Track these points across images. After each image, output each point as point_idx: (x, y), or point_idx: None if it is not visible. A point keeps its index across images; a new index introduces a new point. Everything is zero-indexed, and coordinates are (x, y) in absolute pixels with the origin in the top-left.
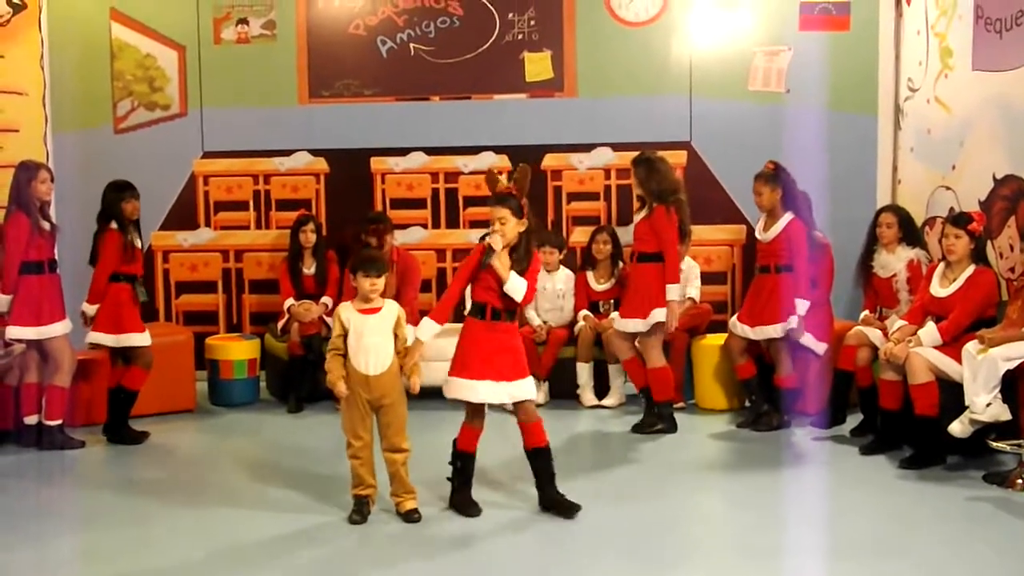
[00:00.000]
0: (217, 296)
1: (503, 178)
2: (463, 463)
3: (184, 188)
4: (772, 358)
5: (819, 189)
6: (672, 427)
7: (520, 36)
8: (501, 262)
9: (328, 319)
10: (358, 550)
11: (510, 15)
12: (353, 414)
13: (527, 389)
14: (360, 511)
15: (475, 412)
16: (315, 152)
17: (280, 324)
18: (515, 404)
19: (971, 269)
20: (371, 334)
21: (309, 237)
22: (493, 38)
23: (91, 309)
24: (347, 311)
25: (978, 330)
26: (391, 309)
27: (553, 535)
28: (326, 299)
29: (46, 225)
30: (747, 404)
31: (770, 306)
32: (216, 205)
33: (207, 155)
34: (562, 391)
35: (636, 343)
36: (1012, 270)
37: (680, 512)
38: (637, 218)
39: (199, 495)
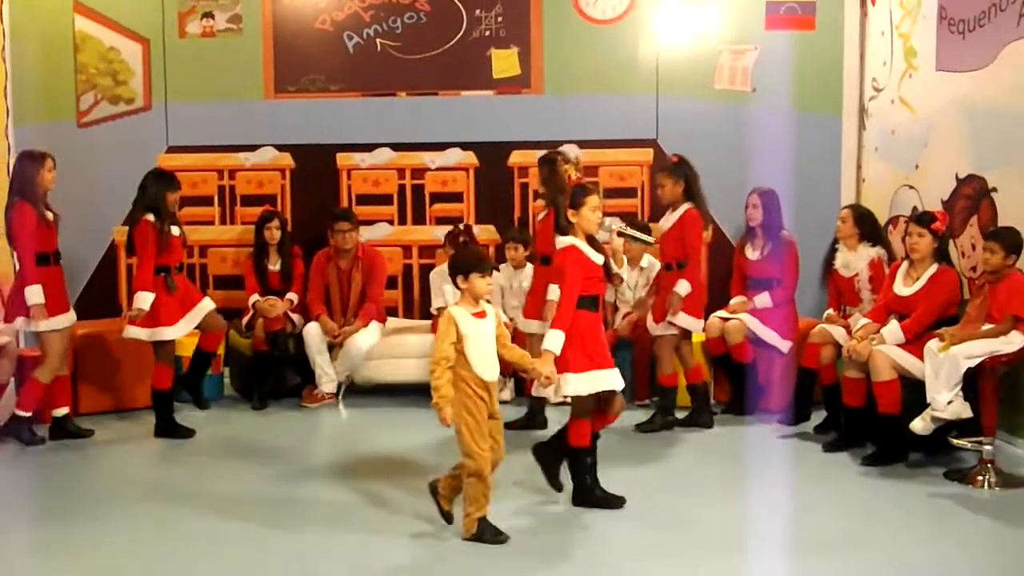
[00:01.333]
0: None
1: (571, 168)
2: (592, 458)
3: None
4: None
5: (784, 188)
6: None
7: (487, 33)
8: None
9: (293, 315)
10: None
11: (477, 11)
12: (479, 426)
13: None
14: (499, 532)
15: (587, 403)
16: (281, 147)
17: (245, 320)
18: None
19: (934, 268)
20: (487, 339)
21: (274, 233)
22: (460, 34)
23: (147, 300)
24: (463, 316)
25: (940, 328)
26: (492, 312)
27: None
28: (291, 295)
29: (49, 215)
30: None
31: (659, 303)
32: (181, 200)
33: (171, 150)
34: (528, 388)
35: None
36: (974, 269)
37: (645, 509)
38: (539, 218)
39: (157, 493)
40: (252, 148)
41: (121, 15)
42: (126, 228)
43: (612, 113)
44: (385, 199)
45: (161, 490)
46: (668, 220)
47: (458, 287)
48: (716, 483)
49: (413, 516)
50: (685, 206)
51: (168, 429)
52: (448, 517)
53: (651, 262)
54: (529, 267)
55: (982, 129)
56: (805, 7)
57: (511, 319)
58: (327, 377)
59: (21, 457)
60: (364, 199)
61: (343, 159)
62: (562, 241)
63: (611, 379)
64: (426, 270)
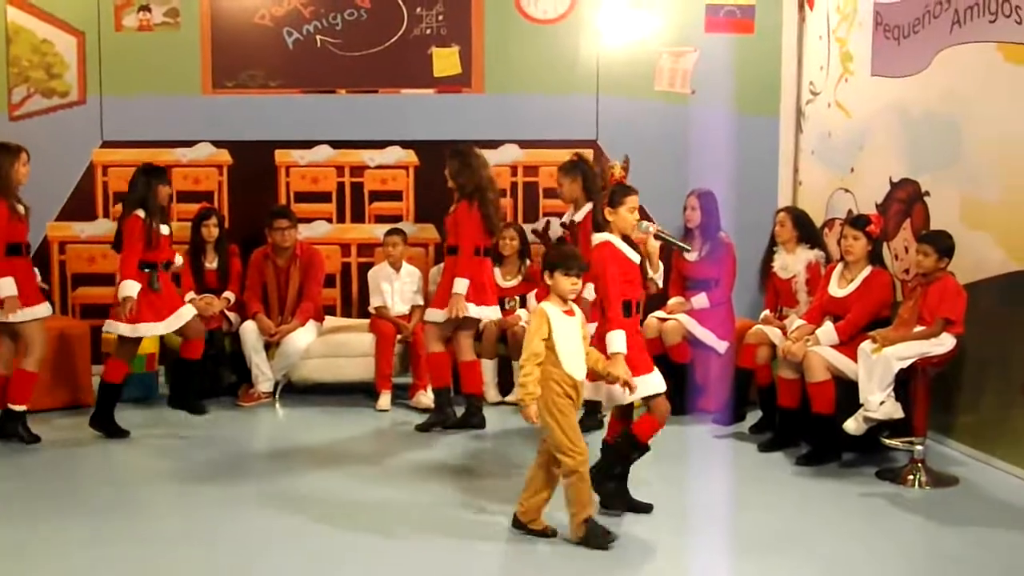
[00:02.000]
0: (115, 289)
1: (616, 166)
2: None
3: (82, 178)
4: None
5: (722, 190)
6: (450, 420)
7: (428, 31)
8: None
9: (230, 314)
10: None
11: (418, 9)
12: (572, 425)
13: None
14: (608, 532)
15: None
16: (218, 143)
17: None
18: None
19: (868, 270)
20: (576, 338)
21: (212, 231)
22: (401, 32)
23: (133, 289)
24: (554, 313)
25: (874, 330)
26: (579, 311)
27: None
28: (228, 294)
29: (21, 208)
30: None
31: None
32: (115, 196)
33: (106, 144)
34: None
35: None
36: (907, 271)
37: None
38: (450, 211)
39: (95, 492)
40: (189, 144)
41: (55, 7)
42: (60, 224)
43: (552, 113)
44: (324, 197)
45: (80, 492)
46: (568, 216)
47: (545, 284)
48: (651, 482)
49: (350, 507)
50: (589, 206)
51: (104, 423)
52: (551, 532)
53: None
54: None
55: (916, 134)
56: (744, 11)
57: None
58: (264, 376)
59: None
60: (303, 197)
61: (282, 156)
62: (597, 237)
63: (653, 383)
64: (364, 269)
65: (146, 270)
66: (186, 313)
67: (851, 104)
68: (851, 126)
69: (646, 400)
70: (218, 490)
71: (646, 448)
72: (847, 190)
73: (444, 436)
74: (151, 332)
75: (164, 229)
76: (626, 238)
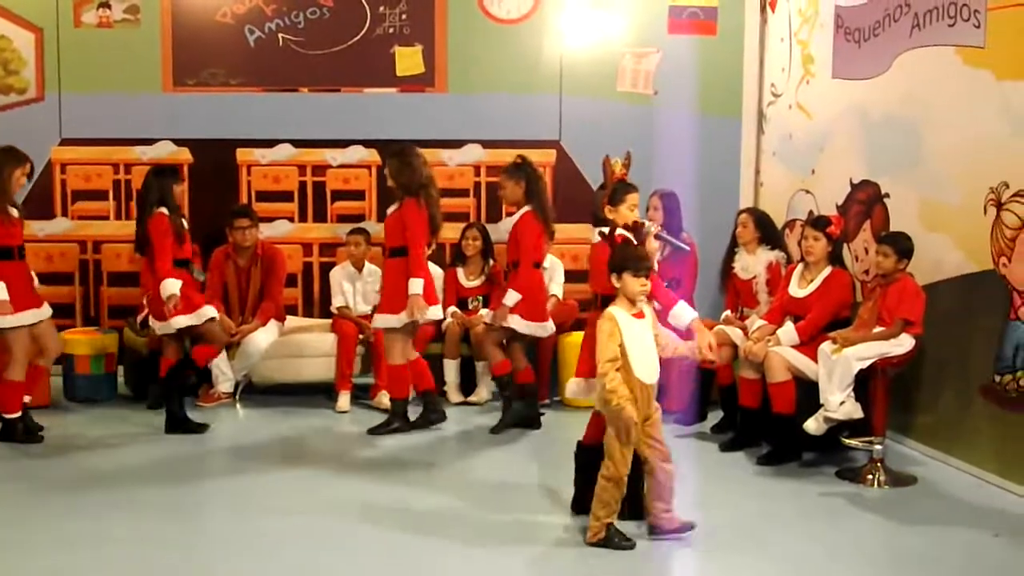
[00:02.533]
0: (74, 288)
1: (617, 163)
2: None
3: (40, 176)
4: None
5: (685, 190)
6: (405, 426)
7: (391, 30)
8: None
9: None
10: None
11: (381, 8)
12: (632, 432)
13: None
14: (626, 536)
15: None
16: (179, 142)
17: (139, 318)
18: None
19: (828, 271)
20: (646, 340)
21: None
22: (364, 31)
23: (175, 285)
24: (623, 316)
25: (834, 330)
26: (649, 312)
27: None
28: None
29: (15, 212)
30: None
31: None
32: (74, 194)
33: (65, 142)
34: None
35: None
36: (866, 272)
37: (539, 508)
38: (389, 211)
39: (54, 492)
40: (149, 142)
41: (12, 3)
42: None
43: (516, 113)
44: (286, 196)
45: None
46: (508, 222)
47: (614, 285)
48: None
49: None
50: (524, 209)
51: (179, 422)
52: (689, 525)
53: (553, 262)
54: (431, 266)
55: (876, 136)
56: (707, 12)
57: None
58: (224, 376)
59: None
60: (264, 196)
61: (243, 155)
62: (598, 233)
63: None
64: (326, 268)
65: (181, 267)
66: (207, 312)
67: (812, 106)
68: (812, 128)
69: None
70: (174, 492)
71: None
72: (808, 191)
73: (407, 436)
74: (212, 313)
75: (184, 226)
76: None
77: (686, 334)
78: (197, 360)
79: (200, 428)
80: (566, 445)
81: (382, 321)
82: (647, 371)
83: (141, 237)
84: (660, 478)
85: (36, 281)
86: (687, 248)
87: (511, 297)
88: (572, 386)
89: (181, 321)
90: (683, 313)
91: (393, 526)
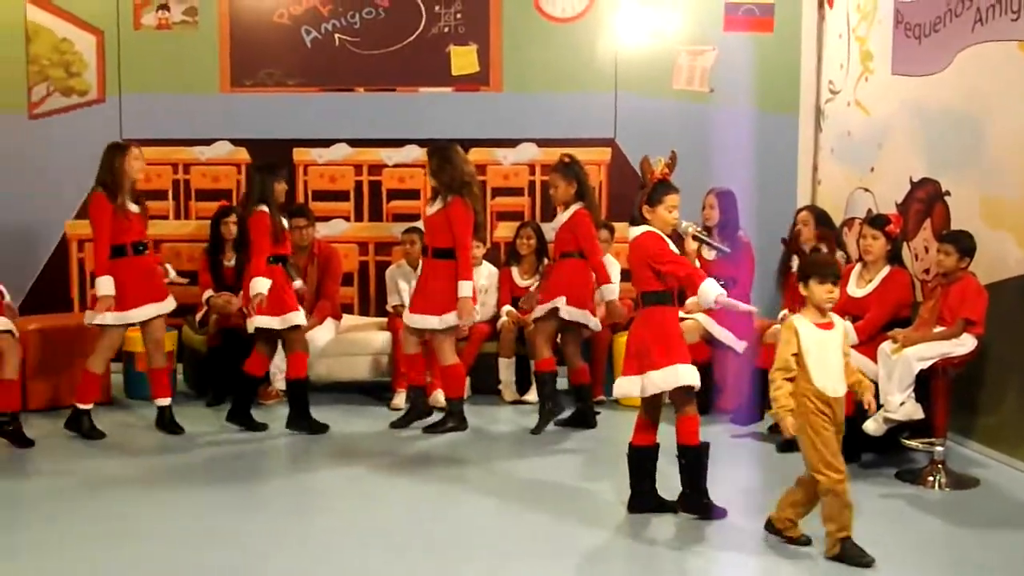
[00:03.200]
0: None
1: (660, 163)
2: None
3: None
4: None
5: (741, 188)
6: (461, 425)
7: (446, 29)
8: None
9: (245, 310)
10: None
11: (436, 8)
12: (827, 443)
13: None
14: (863, 552)
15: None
16: (236, 142)
17: (199, 316)
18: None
19: (887, 270)
20: (832, 351)
21: (231, 229)
22: (419, 30)
23: (264, 285)
24: (804, 325)
25: (893, 330)
26: (840, 323)
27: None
28: None
29: (134, 207)
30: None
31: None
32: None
33: (126, 142)
34: (484, 386)
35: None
36: (927, 271)
37: (603, 508)
38: (430, 210)
39: (111, 489)
40: (207, 142)
41: (74, 6)
42: (78, 222)
43: (570, 112)
44: (342, 195)
45: (116, 486)
46: (559, 220)
47: (802, 294)
48: (666, 483)
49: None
50: (576, 206)
51: (242, 417)
52: (805, 541)
53: (610, 261)
54: (486, 265)
55: (936, 133)
56: (763, 9)
57: None
58: (281, 374)
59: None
60: (321, 195)
61: (300, 154)
62: (636, 230)
63: (688, 375)
64: (382, 267)
65: (278, 264)
66: (294, 319)
67: (871, 103)
68: (871, 125)
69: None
70: (232, 489)
71: (705, 446)
72: (866, 189)
73: (462, 434)
74: (300, 320)
75: (285, 224)
76: (667, 235)
77: (743, 333)
78: (293, 376)
79: (260, 427)
80: (622, 445)
81: (425, 322)
82: (829, 382)
83: (242, 234)
84: (815, 493)
85: (172, 274)
86: (727, 250)
87: (611, 291)
88: (620, 384)
89: (260, 321)
90: (709, 290)
91: (446, 525)
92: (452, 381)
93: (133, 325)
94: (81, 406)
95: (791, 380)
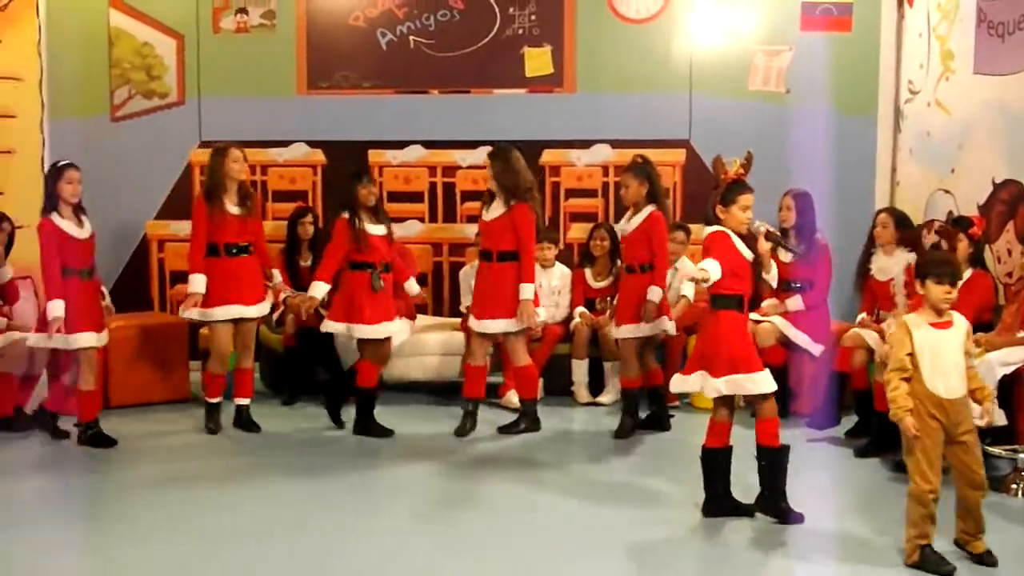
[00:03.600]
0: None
1: (735, 163)
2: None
3: (180, 177)
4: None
5: (818, 190)
6: (534, 426)
7: (520, 31)
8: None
9: (324, 311)
10: None
11: (511, 9)
12: (927, 450)
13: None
14: (945, 561)
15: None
16: (313, 143)
17: (276, 316)
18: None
19: (969, 273)
20: (949, 352)
21: (307, 229)
22: (493, 32)
23: (320, 290)
24: (918, 325)
25: (975, 334)
26: (961, 323)
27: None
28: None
29: (233, 208)
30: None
31: (622, 305)
32: None
33: (204, 144)
34: (557, 387)
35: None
36: (1010, 275)
37: (676, 512)
38: (489, 215)
39: (194, 485)
40: (284, 144)
41: (156, 10)
42: (159, 222)
43: (645, 113)
44: (416, 196)
45: (194, 484)
46: (631, 222)
47: (918, 293)
48: (742, 486)
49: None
50: (649, 208)
51: (365, 425)
52: (989, 559)
53: (685, 264)
54: (558, 266)
55: (1020, 133)
56: (841, 8)
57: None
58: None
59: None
60: (395, 196)
61: (375, 156)
62: (708, 230)
63: (761, 382)
64: (456, 268)
65: (367, 270)
66: (390, 330)
67: (951, 103)
68: (951, 125)
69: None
70: (307, 487)
71: (785, 448)
72: (947, 191)
73: (535, 436)
74: (366, 334)
75: (377, 229)
76: (742, 236)
77: (820, 336)
78: (359, 384)
79: (385, 432)
80: (695, 448)
81: (498, 326)
82: (944, 385)
83: (324, 237)
84: (961, 501)
85: (277, 279)
86: (798, 252)
87: (656, 293)
88: (675, 381)
89: (328, 326)
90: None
91: (521, 527)
92: (526, 382)
93: (222, 322)
94: (209, 400)
95: (907, 380)
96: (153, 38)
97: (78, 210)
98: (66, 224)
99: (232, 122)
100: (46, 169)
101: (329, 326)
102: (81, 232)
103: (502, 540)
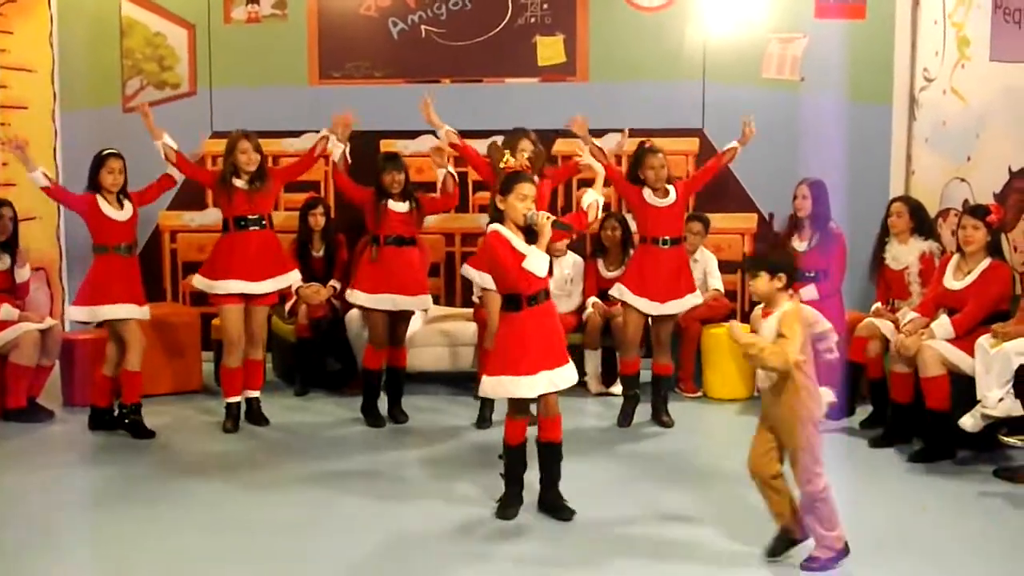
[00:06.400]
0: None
1: (509, 155)
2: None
3: None
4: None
5: (833, 179)
6: None
7: (533, 19)
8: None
9: (336, 302)
10: None
11: None
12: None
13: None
14: None
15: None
16: None
17: (288, 306)
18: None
19: (986, 262)
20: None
21: (319, 220)
22: (505, 21)
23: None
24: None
25: (992, 324)
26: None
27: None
28: (334, 282)
29: (239, 182)
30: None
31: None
32: None
33: (216, 135)
34: None
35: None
36: None
37: (688, 503)
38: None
39: (203, 474)
40: (296, 134)
41: (167, 0)
42: (171, 213)
43: (658, 101)
44: (428, 186)
45: (210, 472)
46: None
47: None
48: None
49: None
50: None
51: (368, 411)
52: None
53: (706, 255)
54: (571, 255)
55: None
56: None
57: None
58: None
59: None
60: None
61: (387, 146)
62: (491, 227)
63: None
64: (468, 258)
65: (374, 244)
66: (408, 303)
67: (968, 91)
68: (967, 113)
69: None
70: (321, 477)
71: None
72: (963, 179)
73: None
74: (367, 303)
75: (398, 206)
76: (527, 229)
77: (834, 326)
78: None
79: (377, 423)
80: (696, 448)
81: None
82: None
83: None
84: None
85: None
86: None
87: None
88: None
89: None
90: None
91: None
92: None
93: (229, 305)
94: (228, 399)
95: None
96: (165, 28)
97: (121, 194)
98: (105, 206)
99: (244, 112)
100: (92, 157)
101: (348, 295)
102: (120, 215)
103: (503, 527)
